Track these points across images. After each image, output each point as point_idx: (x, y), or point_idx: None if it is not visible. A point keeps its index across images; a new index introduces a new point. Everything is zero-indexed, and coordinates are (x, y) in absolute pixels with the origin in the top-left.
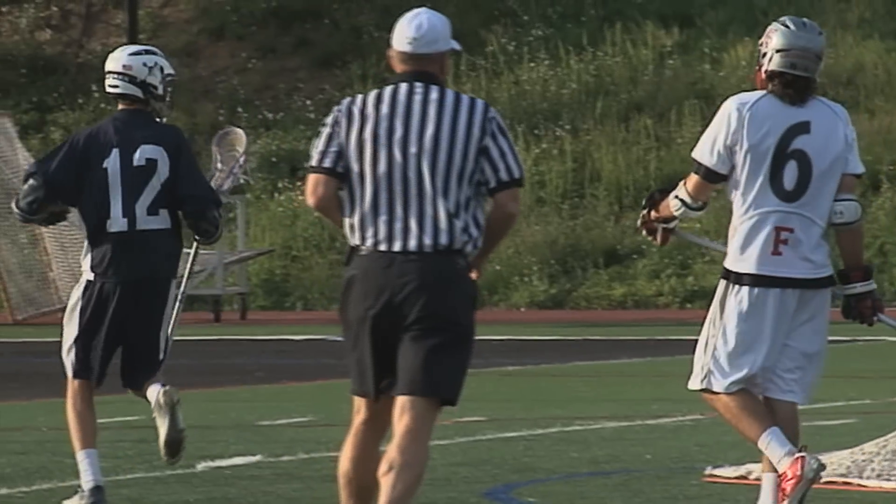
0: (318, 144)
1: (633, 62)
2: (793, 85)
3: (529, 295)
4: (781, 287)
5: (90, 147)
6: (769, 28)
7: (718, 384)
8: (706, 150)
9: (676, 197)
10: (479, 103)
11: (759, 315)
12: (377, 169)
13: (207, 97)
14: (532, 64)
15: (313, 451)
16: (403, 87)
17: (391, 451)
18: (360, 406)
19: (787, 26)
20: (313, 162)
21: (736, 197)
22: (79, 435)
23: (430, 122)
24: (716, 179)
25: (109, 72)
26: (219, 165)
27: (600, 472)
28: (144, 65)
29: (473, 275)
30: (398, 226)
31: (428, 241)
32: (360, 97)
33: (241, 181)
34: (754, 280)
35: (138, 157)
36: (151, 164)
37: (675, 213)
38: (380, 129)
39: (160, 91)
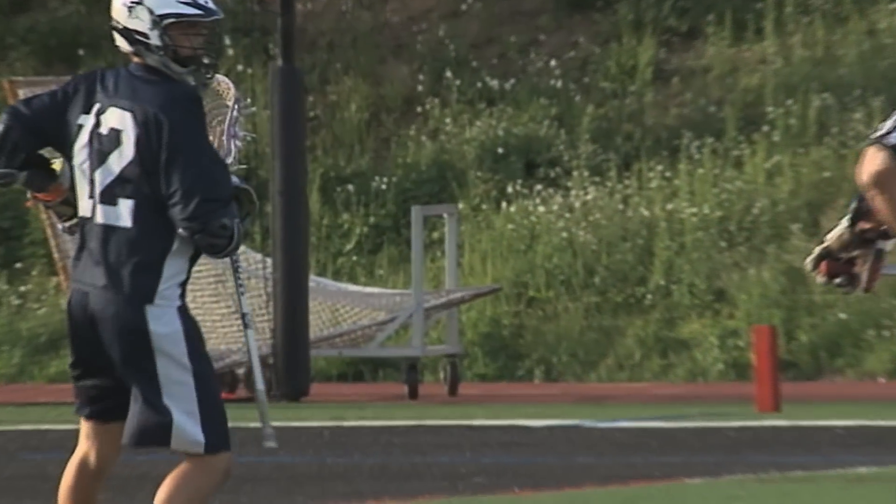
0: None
1: None
2: None
3: (892, 359)
4: None
5: (80, 95)
6: None
7: None
8: None
9: None
10: None
11: None
12: None
13: (400, 56)
14: (894, 5)
15: None
16: None
17: None
18: None
19: None
20: (880, 132)
21: None
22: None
23: None
24: None
25: None
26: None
27: None
28: (123, 5)
29: None
30: None
31: None
32: None
33: (241, 143)
34: None
35: (104, 123)
36: (113, 135)
37: None
38: None
39: (153, 40)
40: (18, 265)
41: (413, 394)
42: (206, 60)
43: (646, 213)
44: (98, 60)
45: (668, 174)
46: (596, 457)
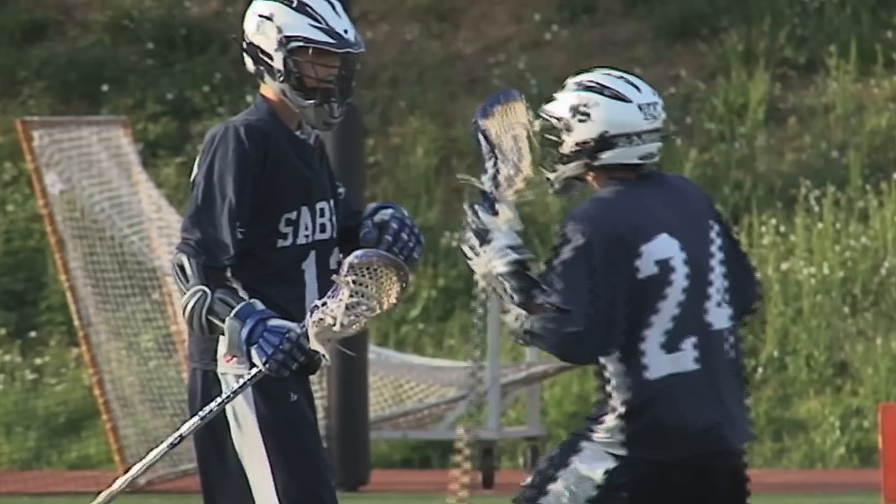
0: None
1: None
2: None
3: None
4: None
5: None
6: None
7: None
8: None
9: None
10: None
11: None
12: None
13: (474, 92)
14: None
15: None
16: None
17: None
18: None
19: None
20: None
21: None
22: None
23: None
24: None
25: None
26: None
27: None
28: (253, 16)
29: None
30: None
31: None
32: None
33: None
34: None
35: None
36: None
37: None
38: None
39: (276, 62)
40: (33, 334)
41: (488, 482)
42: (332, 98)
43: (757, 273)
44: (123, 98)
45: (782, 229)
46: None
